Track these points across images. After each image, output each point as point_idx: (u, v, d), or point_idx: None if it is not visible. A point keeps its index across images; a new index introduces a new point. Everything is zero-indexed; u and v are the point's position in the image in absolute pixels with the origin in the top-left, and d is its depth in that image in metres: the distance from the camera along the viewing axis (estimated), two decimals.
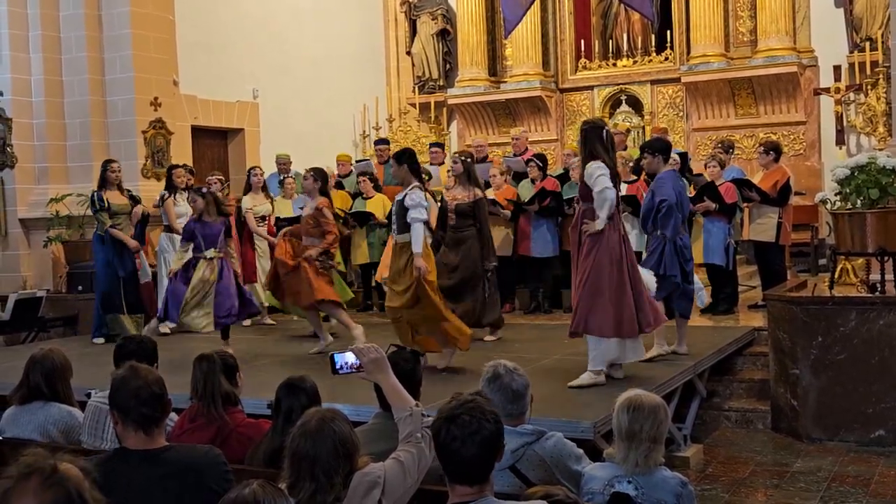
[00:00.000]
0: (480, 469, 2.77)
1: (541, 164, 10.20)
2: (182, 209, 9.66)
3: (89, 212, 9.79)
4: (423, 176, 7.41)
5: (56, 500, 1.97)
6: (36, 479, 1.98)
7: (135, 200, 9.50)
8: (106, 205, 9.18)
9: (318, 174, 8.17)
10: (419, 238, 6.69)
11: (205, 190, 8.53)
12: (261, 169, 10.65)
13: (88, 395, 4.58)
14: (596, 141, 6.21)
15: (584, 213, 6.24)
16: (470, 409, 2.78)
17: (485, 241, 8.01)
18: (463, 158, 8.18)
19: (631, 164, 9.49)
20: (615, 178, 6.27)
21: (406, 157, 6.99)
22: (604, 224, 6.09)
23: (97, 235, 9.33)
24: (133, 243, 9.29)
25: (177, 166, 10.16)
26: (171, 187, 9.78)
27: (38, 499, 1.96)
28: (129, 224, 9.42)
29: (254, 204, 10.20)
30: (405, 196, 6.81)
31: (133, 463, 3.09)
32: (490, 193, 10.29)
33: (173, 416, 4.21)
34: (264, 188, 10.43)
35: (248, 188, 10.36)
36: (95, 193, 9.30)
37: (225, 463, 3.17)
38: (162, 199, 9.72)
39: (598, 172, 6.11)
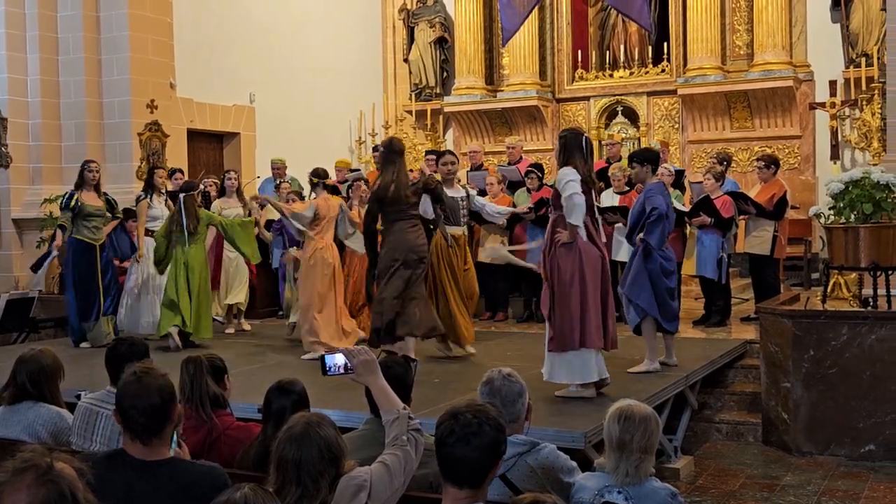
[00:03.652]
0: (472, 472, 2.76)
1: (539, 175, 10.22)
2: (157, 212, 9.49)
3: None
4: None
5: (49, 497, 1.97)
6: (31, 475, 1.99)
7: (111, 205, 9.38)
8: (73, 204, 8.98)
9: None
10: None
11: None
12: (236, 173, 10.53)
13: (79, 397, 4.55)
14: (575, 149, 6.15)
15: (556, 221, 6.14)
16: (476, 410, 2.80)
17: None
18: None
19: (626, 175, 9.50)
20: (591, 186, 6.22)
21: None
22: (576, 232, 6.01)
23: (71, 238, 9.07)
24: (57, 244, 9.12)
25: (159, 167, 10.07)
26: (151, 187, 9.58)
27: (31, 494, 1.97)
28: (104, 226, 9.31)
29: (223, 207, 9.98)
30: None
31: (129, 469, 3.02)
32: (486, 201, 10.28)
33: None
34: (238, 193, 10.27)
35: (221, 192, 10.31)
36: (69, 192, 9.17)
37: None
38: (137, 199, 9.54)
39: (567, 178, 6.02)
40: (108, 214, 9.38)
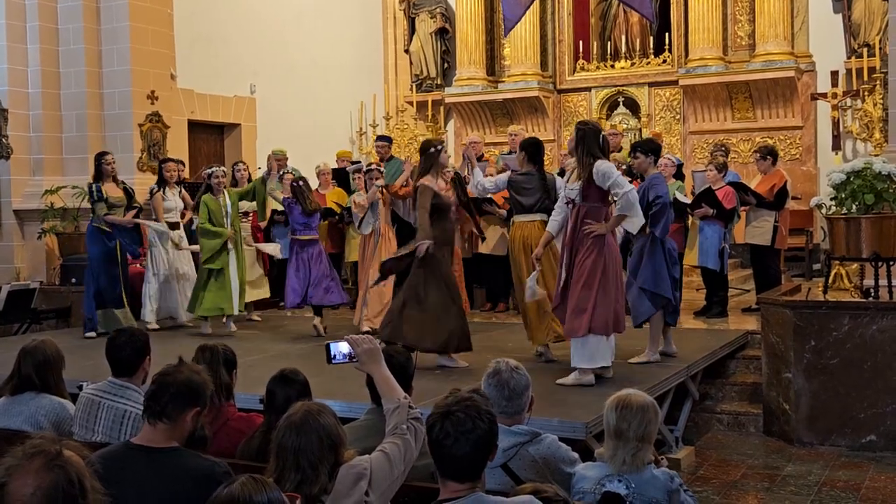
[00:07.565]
0: (471, 467, 2.77)
1: None
2: (171, 204, 9.60)
3: (84, 204, 9.72)
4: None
5: (56, 482, 2.03)
6: (39, 460, 2.05)
7: (129, 194, 9.45)
8: (104, 196, 9.10)
9: None
10: None
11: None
12: (245, 164, 10.52)
13: (80, 388, 4.56)
14: (594, 144, 6.24)
15: (588, 213, 6.22)
16: (466, 406, 2.79)
17: None
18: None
19: (625, 167, 9.48)
20: None
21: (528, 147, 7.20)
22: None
23: (92, 227, 9.20)
24: (127, 220, 9.24)
25: (168, 160, 10.11)
26: (162, 181, 9.66)
27: (39, 479, 2.03)
28: (123, 215, 9.35)
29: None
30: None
31: (130, 456, 3.09)
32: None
33: None
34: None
35: (233, 184, 10.30)
36: (93, 185, 9.23)
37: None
38: (151, 192, 9.61)
39: (615, 172, 6.15)
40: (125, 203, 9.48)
